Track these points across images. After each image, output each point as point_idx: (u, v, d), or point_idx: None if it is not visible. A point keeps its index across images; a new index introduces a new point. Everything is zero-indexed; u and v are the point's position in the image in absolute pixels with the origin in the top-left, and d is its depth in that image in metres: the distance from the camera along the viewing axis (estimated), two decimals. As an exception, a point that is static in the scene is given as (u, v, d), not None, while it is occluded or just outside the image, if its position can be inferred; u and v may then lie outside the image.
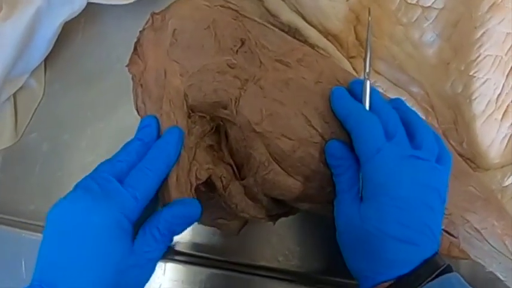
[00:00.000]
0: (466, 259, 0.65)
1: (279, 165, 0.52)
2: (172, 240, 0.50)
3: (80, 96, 0.74)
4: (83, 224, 0.44)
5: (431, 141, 0.49)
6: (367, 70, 0.52)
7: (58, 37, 0.71)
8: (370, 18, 0.56)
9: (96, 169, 0.49)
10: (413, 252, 0.46)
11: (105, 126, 0.72)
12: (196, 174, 0.52)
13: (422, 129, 0.49)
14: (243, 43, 0.54)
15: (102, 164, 0.49)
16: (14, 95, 0.74)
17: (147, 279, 0.49)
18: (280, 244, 0.68)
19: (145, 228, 0.48)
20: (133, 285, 0.47)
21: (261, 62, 0.54)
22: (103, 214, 0.45)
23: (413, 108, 0.65)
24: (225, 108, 0.53)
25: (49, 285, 0.43)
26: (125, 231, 0.46)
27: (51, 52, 0.72)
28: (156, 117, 0.51)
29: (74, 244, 0.44)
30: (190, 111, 0.54)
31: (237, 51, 0.54)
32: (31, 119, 0.74)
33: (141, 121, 0.52)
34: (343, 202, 0.49)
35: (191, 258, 0.68)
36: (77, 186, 0.47)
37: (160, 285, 0.65)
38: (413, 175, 0.46)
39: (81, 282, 0.44)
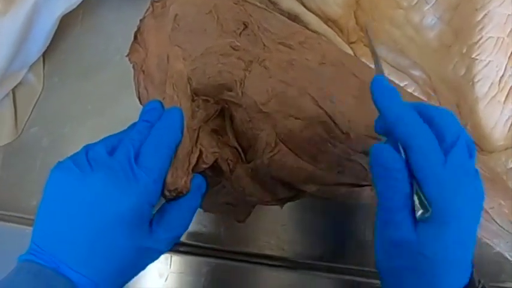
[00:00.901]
0: (473, 241, 0.66)
1: (286, 146, 0.52)
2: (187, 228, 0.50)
3: (80, 89, 0.74)
4: (105, 206, 0.43)
5: (468, 140, 0.43)
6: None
7: (56, 30, 0.70)
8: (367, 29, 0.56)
9: (106, 143, 0.47)
10: (465, 272, 0.43)
11: (106, 119, 0.72)
12: (202, 159, 0.52)
13: (454, 130, 0.43)
14: (245, 26, 0.54)
15: (111, 138, 0.48)
16: (13, 90, 0.73)
17: (154, 260, 0.49)
18: (285, 233, 0.68)
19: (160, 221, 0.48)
20: (137, 268, 0.47)
21: (264, 44, 0.54)
22: (128, 201, 0.44)
23: (416, 93, 0.65)
24: (230, 90, 0.53)
25: (56, 259, 0.43)
26: (146, 217, 0.46)
27: (49, 46, 0.71)
28: (160, 101, 0.51)
29: (92, 225, 0.43)
30: (194, 95, 0.53)
31: (240, 34, 0.54)
32: (31, 113, 0.74)
33: (145, 105, 0.51)
34: (392, 223, 0.42)
35: (196, 249, 0.68)
36: (93, 160, 0.45)
37: (166, 278, 0.65)
38: (474, 191, 0.42)
39: (91, 265, 0.43)
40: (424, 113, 0.43)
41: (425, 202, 0.40)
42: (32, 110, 0.74)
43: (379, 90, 0.44)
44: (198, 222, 0.68)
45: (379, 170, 0.42)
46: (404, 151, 0.41)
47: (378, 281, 0.59)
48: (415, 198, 0.41)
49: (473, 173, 0.42)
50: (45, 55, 0.74)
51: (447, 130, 0.42)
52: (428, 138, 0.41)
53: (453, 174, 0.40)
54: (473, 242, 0.43)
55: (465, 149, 0.42)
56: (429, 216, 0.40)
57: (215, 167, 0.54)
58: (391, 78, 0.65)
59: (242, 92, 0.53)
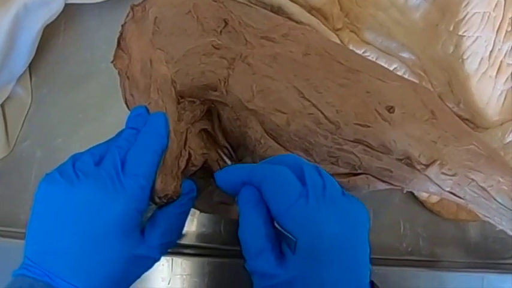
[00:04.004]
0: (475, 221, 0.65)
1: (276, 141, 0.52)
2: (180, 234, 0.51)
3: (69, 98, 0.73)
4: (94, 216, 0.43)
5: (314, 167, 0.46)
6: None
7: (40, 41, 0.69)
8: None
9: (93, 152, 0.48)
10: None
11: (97, 127, 0.72)
12: (192, 162, 0.52)
13: (296, 163, 0.45)
14: (226, 23, 0.54)
15: (98, 147, 0.49)
16: (2, 105, 0.72)
17: (148, 268, 0.49)
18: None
19: (153, 226, 0.48)
20: (131, 277, 0.47)
21: (246, 40, 0.53)
22: (116, 209, 0.44)
23: (406, 75, 0.65)
24: (215, 90, 0.52)
25: (48, 272, 0.43)
26: (135, 224, 0.46)
27: (34, 57, 0.71)
28: (146, 107, 0.51)
29: (81, 235, 0.43)
30: (180, 98, 0.53)
31: (220, 31, 0.53)
32: (22, 127, 0.73)
33: (131, 111, 0.51)
34: (257, 265, 0.43)
35: (198, 250, 0.67)
36: (79, 171, 0.45)
37: (169, 282, 0.64)
38: (342, 218, 0.43)
39: (83, 276, 0.43)
40: (271, 161, 0.47)
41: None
42: (23, 123, 0.73)
43: (222, 180, 0.47)
44: (197, 223, 0.68)
45: (245, 208, 0.44)
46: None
47: (377, 267, 0.60)
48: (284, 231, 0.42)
49: (337, 197, 0.44)
50: (31, 67, 0.74)
51: (290, 166, 0.44)
52: (285, 177, 0.43)
53: (308, 206, 0.41)
54: (365, 267, 0.44)
55: (316, 175, 0.44)
56: (297, 251, 0.41)
57: (206, 168, 0.54)
58: (380, 62, 0.65)
59: (227, 91, 0.52)
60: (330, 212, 0.42)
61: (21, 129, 0.73)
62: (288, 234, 0.41)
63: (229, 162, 0.54)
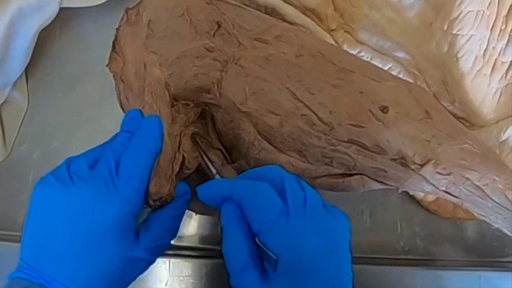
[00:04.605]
0: (472, 219, 0.65)
1: (269, 143, 0.52)
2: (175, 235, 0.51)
3: (65, 101, 0.73)
4: (88, 218, 0.44)
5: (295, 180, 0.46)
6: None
7: (36, 45, 0.69)
8: None
9: (87, 156, 0.48)
10: None
11: (94, 129, 0.72)
12: (186, 165, 0.52)
13: (277, 178, 0.46)
14: (219, 26, 0.54)
15: (92, 151, 0.49)
16: (-1, 109, 0.73)
17: (143, 270, 0.49)
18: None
19: (148, 227, 0.48)
20: (126, 279, 0.47)
21: (239, 42, 0.53)
22: (110, 212, 0.44)
23: (401, 75, 0.65)
24: (208, 92, 0.53)
25: (44, 275, 0.43)
26: (129, 227, 0.46)
27: (30, 61, 0.71)
28: (140, 110, 0.51)
29: (76, 238, 0.44)
30: (173, 100, 0.53)
31: (214, 34, 0.53)
32: (19, 131, 0.73)
33: (125, 115, 0.51)
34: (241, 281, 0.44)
35: (194, 251, 0.68)
36: (74, 174, 0.46)
37: (166, 283, 0.64)
38: (323, 232, 0.43)
39: (78, 278, 0.44)
40: (252, 175, 0.47)
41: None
42: (20, 127, 0.73)
43: (204, 195, 0.47)
44: (195, 225, 0.68)
45: (226, 224, 0.45)
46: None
47: (374, 267, 0.60)
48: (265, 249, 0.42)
49: (318, 211, 0.44)
50: (27, 71, 0.74)
51: (271, 180, 0.45)
52: (266, 195, 0.44)
53: (288, 224, 0.42)
54: (347, 276, 0.44)
55: (297, 189, 0.44)
56: (278, 268, 0.41)
57: (200, 170, 0.54)
58: (375, 62, 0.65)
59: (220, 93, 0.52)
60: (311, 228, 0.42)
61: (18, 133, 0.73)
62: (269, 252, 0.42)
63: (213, 170, 0.54)
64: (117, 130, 0.51)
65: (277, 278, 0.42)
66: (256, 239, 0.43)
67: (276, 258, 0.41)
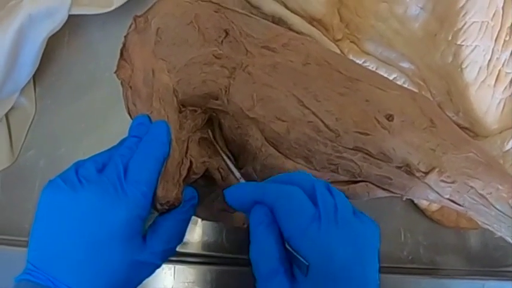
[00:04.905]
0: (475, 229, 0.65)
1: (276, 149, 0.52)
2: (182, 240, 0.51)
3: (72, 108, 0.74)
4: (96, 222, 0.44)
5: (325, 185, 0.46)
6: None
7: (44, 52, 0.70)
8: None
9: (96, 160, 0.48)
10: None
11: (101, 136, 0.72)
12: (193, 170, 0.52)
13: (308, 184, 0.45)
14: (227, 34, 0.54)
15: (101, 155, 0.49)
16: (6, 115, 0.73)
17: (149, 274, 0.49)
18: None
19: (156, 231, 0.48)
20: (132, 283, 0.48)
21: (246, 49, 0.54)
22: (118, 216, 0.44)
23: (406, 85, 0.65)
24: (216, 98, 0.53)
25: (51, 277, 0.43)
26: (137, 230, 0.46)
27: (38, 68, 0.72)
28: (148, 116, 0.51)
29: (84, 241, 0.44)
30: (181, 106, 0.53)
31: (222, 41, 0.54)
32: (26, 137, 0.74)
33: (133, 120, 0.52)
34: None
35: (200, 258, 0.68)
36: (83, 177, 0.46)
37: (171, 289, 0.65)
38: (354, 239, 0.43)
39: (85, 281, 0.44)
40: (282, 180, 0.46)
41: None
42: (27, 133, 0.74)
43: (233, 198, 0.47)
44: (200, 231, 0.69)
45: (256, 228, 0.44)
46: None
47: (381, 275, 0.60)
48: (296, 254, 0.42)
49: (348, 218, 0.44)
50: (35, 78, 0.75)
51: (302, 185, 0.44)
52: (298, 199, 0.43)
53: (321, 230, 0.41)
54: (374, 285, 0.44)
55: (327, 195, 0.44)
56: (309, 274, 0.41)
57: (207, 176, 0.54)
58: (380, 72, 0.65)
59: (228, 100, 0.53)
60: (342, 235, 0.42)
61: (25, 139, 0.74)
62: (300, 258, 0.41)
63: (237, 175, 0.54)
64: (124, 137, 0.52)
65: (306, 284, 0.41)
66: (286, 244, 0.43)
67: (307, 264, 0.41)
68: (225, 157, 0.55)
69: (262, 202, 0.44)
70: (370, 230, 0.45)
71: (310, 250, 0.41)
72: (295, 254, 0.42)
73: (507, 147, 0.63)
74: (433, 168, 0.50)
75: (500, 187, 0.51)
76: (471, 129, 0.65)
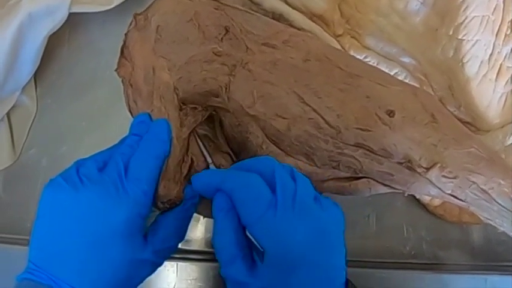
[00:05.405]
0: (478, 224, 0.65)
1: (277, 146, 0.52)
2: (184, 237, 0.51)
3: (74, 107, 0.74)
4: (97, 220, 0.44)
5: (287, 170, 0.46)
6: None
7: (45, 50, 0.70)
8: None
9: (96, 158, 0.48)
10: None
11: (102, 134, 0.72)
12: (194, 167, 0.52)
13: (268, 169, 0.46)
14: (227, 31, 0.54)
15: (101, 154, 0.49)
16: (8, 114, 0.73)
17: (151, 273, 0.49)
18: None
19: (156, 230, 0.49)
20: (134, 281, 0.48)
21: (247, 46, 0.54)
22: (119, 214, 0.44)
23: (407, 80, 0.65)
24: (217, 96, 0.53)
25: (52, 276, 0.44)
26: (138, 229, 0.46)
27: (39, 66, 0.72)
28: (149, 114, 0.51)
29: (85, 240, 0.44)
30: (182, 104, 0.53)
31: (222, 39, 0.54)
32: (27, 135, 0.74)
33: (134, 118, 0.52)
34: (229, 271, 0.45)
35: (203, 255, 0.68)
36: (84, 176, 0.46)
37: (174, 286, 0.65)
38: (313, 225, 0.44)
39: (86, 279, 0.44)
40: (244, 166, 0.47)
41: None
42: (29, 132, 0.74)
43: (198, 184, 0.48)
44: (203, 229, 0.69)
45: (217, 215, 0.45)
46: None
47: (381, 271, 0.60)
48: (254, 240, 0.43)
49: (308, 204, 0.44)
50: (36, 76, 0.75)
51: (263, 171, 0.45)
52: (255, 186, 0.44)
53: (276, 217, 0.42)
54: (339, 270, 0.45)
55: (288, 180, 0.44)
56: (265, 261, 0.42)
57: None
58: (381, 67, 0.65)
59: (228, 97, 0.53)
60: (299, 221, 0.43)
61: (26, 138, 0.74)
62: (257, 244, 0.42)
63: (209, 159, 0.55)
64: (125, 135, 0.52)
65: (264, 269, 0.42)
66: (246, 231, 0.44)
67: (262, 250, 0.42)
68: (198, 139, 0.56)
69: (222, 189, 0.46)
70: (332, 216, 0.46)
71: (265, 237, 0.42)
72: (253, 240, 0.43)
73: (509, 142, 0.63)
74: (435, 164, 0.50)
75: (502, 182, 0.51)
76: (473, 123, 0.65)
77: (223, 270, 0.45)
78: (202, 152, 0.55)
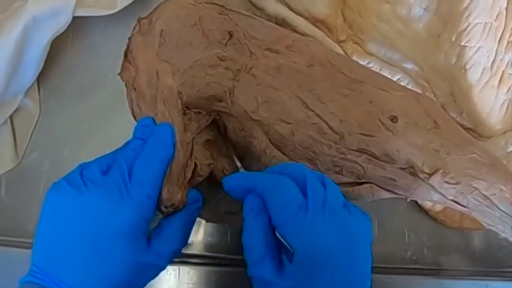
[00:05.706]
0: (479, 229, 0.65)
1: (281, 151, 0.52)
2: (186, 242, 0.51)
3: (76, 110, 0.74)
4: (101, 223, 0.44)
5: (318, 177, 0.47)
6: None
7: (48, 54, 0.70)
8: None
9: (100, 162, 0.48)
10: None
11: (105, 138, 0.72)
12: (198, 172, 0.52)
13: (300, 174, 0.47)
14: (231, 36, 0.54)
15: (105, 157, 0.49)
16: (11, 117, 0.73)
17: (154, 276, 0.49)
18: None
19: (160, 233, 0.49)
20: (137, 285, 0.48)
21: (250, 51, 0.54)
22: (123, 217, 0.44)
23: (409, 86, 0.65)
24: (220, 100, 0.53)
25: (55, 279, 0.43)
26: (141, 232, 0.46)
27: (42, 70, 0.71)
28: (152, 118, 0.51)
29: (88, 243, 0.44)
30: (186, 109, 0.53)
31: (226, 43, 0.54)
32: (30, 139, 0.74)
33: (138, 122, 0.52)
34: (258, 271, 0.45)
35: (204, 259, 0.68)
36: (87, 179, 0.46)
37: (176, 290, 0.65)
38: (343, 231, 0.44)
39: (89, 283, 0.44)
40: (276, 170, 0.48)
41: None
42: (31, 135, 0.74)
43: (229, 186, 0.49)
44: (204, 233, 0.69)
45: (248, 215, 0.46)
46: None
47: (382, 276, 0.60)
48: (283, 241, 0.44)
49: (337, 210, 0.45)
50: (39, 80, 0.74)
51: (295, 176, 0.46)
52: (287, 188, 0.45)
53: (306, 219, 0.43)
54: (365, 278, 0.45)
55: (318, 186, 0.45)
56: (294, 261, 0.43)
57: (212, 178, 0.55)
58: (383, 73, 0.65)
59: (232, 102, 0.53)
60: (328, 225, 0.43)
61: (29, 141, 0.74)
62: (287, 245, 0.43)
63: (238, 164, 0.55)
64: (128, 139, 0.52)
65: (292, 270, 0.43)
66: (276, 232, 0.45)
67: (292, 251, 0.42)
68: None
69: (254, 190, 0.46)
70: (360, 223, 0.46)
71: (295, 238, 0.43)
72: (282, 241, 0.44)
73: (510, 148, 0.63)
74: (437, 170, 0.50)
75: (504, 188, 0.51)
76: (475, 130, 0.65)
77: (251, 269, 0.45)
78: (230, 155, 0.56)
